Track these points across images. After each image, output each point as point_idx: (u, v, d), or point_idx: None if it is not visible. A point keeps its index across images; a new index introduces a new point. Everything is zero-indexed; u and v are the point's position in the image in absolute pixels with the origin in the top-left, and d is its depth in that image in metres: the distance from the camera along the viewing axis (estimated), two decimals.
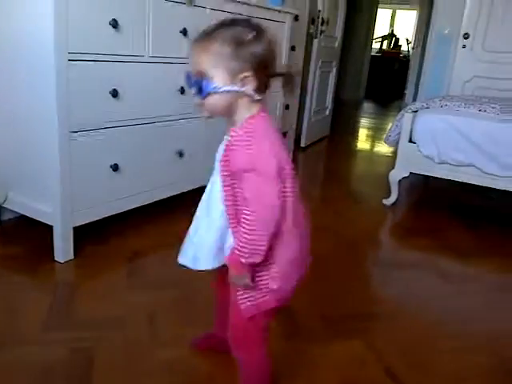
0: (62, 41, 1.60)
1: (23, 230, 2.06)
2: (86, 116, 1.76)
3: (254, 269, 0.98)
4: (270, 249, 0.96)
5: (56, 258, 1.83)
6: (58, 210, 1.75)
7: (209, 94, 0.92)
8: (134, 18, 1.86)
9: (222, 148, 1.00)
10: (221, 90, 0.92)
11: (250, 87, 0.93)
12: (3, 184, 1.93)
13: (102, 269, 1.83)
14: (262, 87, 0.96)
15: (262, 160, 0.91)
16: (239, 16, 0.99)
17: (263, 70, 0.94)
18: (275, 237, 0.95)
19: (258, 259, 0.94)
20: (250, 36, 0.91)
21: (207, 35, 0.93)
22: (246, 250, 0.93)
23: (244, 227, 0.92)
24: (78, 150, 1.75)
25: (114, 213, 1.98)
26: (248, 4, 2.55)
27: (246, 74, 0.92)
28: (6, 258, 1.84)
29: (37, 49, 1.64)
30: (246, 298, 1.02)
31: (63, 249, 1.81)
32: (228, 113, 0.97)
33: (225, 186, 0.98)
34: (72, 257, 1.85)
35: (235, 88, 0.92)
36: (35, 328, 1.44)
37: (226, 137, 1.00)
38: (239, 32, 0.92)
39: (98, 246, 1.98)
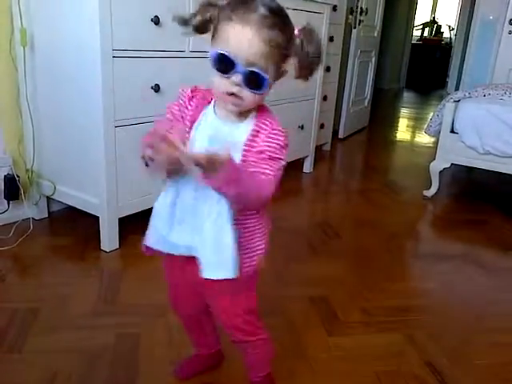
0: (106, 38, 1.66)
1: (71, 221, 2.16)
2: (130, 110, 1.82)
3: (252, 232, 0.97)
4: (261, 214, 0.98)
5: (102, 248, 1.91)
6: (105, 201, 1.82)
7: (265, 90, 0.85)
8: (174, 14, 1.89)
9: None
10: (272, 84, 0.87)
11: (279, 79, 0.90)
12: (52, 176, 2.02)
13: (145, 258, 1.86)
14: None
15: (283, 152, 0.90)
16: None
17: (305, 68, 0.89)
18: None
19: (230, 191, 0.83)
20: (297, 30, 0.87)
21: (263, 20, 0.80)
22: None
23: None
24: (122, 143, 1.82)
25: None
26: None
27: (286, 68, 0.88)
28: (56, 248, 1.94)
29: (83, 46, 1.70)
30: (246, 263, 0.98)
31: (109, 238, 1.89)
32: None
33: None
34: (117, 246, 1.93)
35: (275, 83, 0.88)
36: (83, 314, 1.51)
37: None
38: (291, 24, 0.86)
39: (141, 236, 2.03)
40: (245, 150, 0.90)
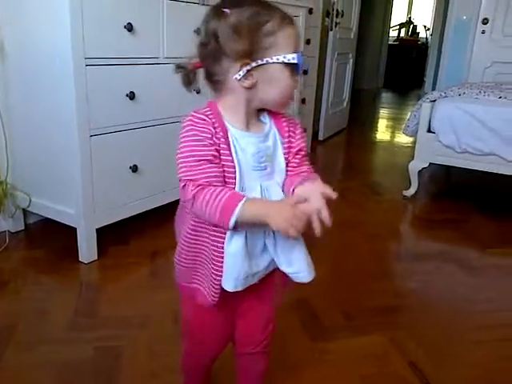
0: (78, 46, 1.63)
1: (48, 233, 2.12)
2: (105, 119, 1.80)
3: None
4: None
5: (80, 259, 1.87)
6: (81, 212, 1.79)
7: None
8: (148, 21, 1.88)
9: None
10: None
11: None
12: (27, 188, 1.98)
13: (125, 269, 1.87)
14: None
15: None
16: None
17: None
18: None
19: None
20: None
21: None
22: None
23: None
24: (98, 152, 1.79)
25: (135, 213, 2.02)
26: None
27: None
28: (33, 260, 1.90)
29: (55, 56, 1.67)
30: None
31: (87, 250, 1.85)
32: None
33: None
34: (96, 257, 1.89)
35: None
36: (62, 328, 1.48)
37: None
38: None
39: (119, 246, 2.02)
40: (285, 154, 0.91)
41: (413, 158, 2.86)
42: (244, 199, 0.80)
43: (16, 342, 1.40)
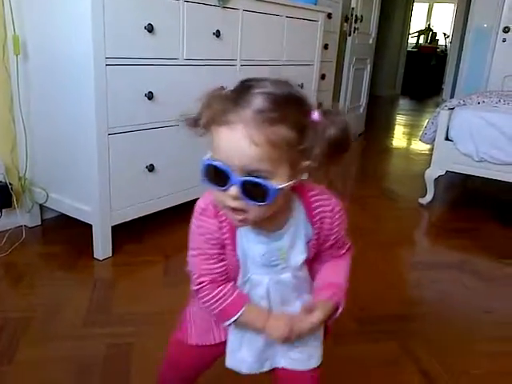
0: (99, 46, 1.65)
1: (64, 229, 2.14)
2: (123, 118, 1.82)
3: None
4: None
5: (95, 256, 1.89)
6: (97, 209, 1.81)
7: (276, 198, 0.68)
8: (168, 22, 1.90)
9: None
10: (286, 188, 0.69)
11: (307, 173, 0.74)
12: (45, 184, 2.01)
13: (139, 266, 1.88)
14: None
15: None
16: (281, 79, 0.70)
17: (332, 155, 0.71)
18: None
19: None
20: (317, 114, 0.69)
21: (257, 116, 0.64)
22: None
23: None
24: (115, 151, 1.81)
25: (150, 212, 2.03)
26: (280, 4, 2.56)
27: (308, 162, 0.70)
28: (48, 256, 1.92)
29: (76, 55, 1.70)
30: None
31: (102, 247, 1.87)
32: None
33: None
34: (110, 254, 1.91)
35: (295, 180, 0.70)
36: (75, 323, 1.50)
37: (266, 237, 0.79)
38: (304, 108, 0.70)
39: (134, 243, 2.03)
40: (311, 247, 0.82)
41: (429, 166, 2.84)
42: (243, 309, 0.80)
43: (29, 337, 1.42)
